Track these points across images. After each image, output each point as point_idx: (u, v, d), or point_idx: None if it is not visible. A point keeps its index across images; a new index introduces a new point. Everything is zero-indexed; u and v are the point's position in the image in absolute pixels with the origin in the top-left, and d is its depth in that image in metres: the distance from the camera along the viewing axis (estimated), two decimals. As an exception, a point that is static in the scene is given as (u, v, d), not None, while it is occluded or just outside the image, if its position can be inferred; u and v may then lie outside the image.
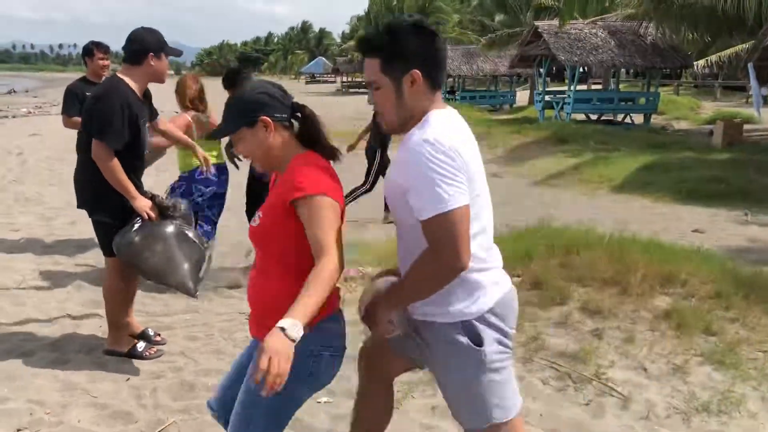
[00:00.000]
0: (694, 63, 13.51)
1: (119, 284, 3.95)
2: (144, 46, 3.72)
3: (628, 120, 20.70)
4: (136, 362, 3.93)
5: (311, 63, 78.66)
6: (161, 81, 3.89)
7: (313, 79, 74.67)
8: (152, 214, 3.70)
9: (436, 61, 2.03)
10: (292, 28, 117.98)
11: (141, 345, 4.04)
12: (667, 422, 3.24)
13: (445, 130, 1.95)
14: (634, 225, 7.72)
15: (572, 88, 20.22)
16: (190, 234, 3.84)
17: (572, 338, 3.99)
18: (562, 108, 20.36)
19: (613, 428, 3.21)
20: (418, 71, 1.98)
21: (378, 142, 7.98)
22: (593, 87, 28.69)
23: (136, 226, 3.70)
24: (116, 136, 3.62)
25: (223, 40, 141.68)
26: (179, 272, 3.70)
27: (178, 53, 4.00)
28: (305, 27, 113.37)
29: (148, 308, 4.84)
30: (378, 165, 7.99)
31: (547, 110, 21.40)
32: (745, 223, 8.21)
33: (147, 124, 3.97)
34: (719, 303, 4.36)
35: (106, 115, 3.60)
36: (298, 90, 55.87)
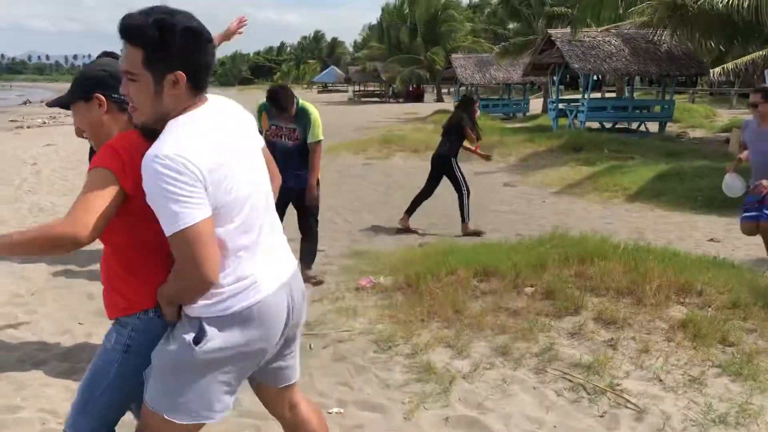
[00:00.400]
0: (710, 71, 13.39)
1: None
2: None
3: (642, 128, 20.57)
4: (148, 372, 3.92)
5: (323, 72, 78.91)
6: None
7: (325, 88, 74.95)
8: None
9: (205, 66, 1.93)
10: (304, 38, 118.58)
11: None
12: (684, 435, 3.17)
13: (181, 142, 1.83)
14: (649, 234, 7.66)
15: (586, 96, 20.13)
16: None
17: (586, 349, 3.94)
18: (575, 116, 20.28)
19: (629, 441, 3.15)
20: (183, 73, 1.88)
21: (452, 150, 7.84)
22: (607, 95, 28.56)
23: None
24: None
25: (236, 50, 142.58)
26: None
27: None
28: (317, 36, 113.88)
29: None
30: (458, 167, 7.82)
31: (560, 118, 21.33)
32: (762, 232, 8.11)
33: None
34: (736, 313, 4.29)
35: None
36: (311, 99, 56.15)
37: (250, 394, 2.53)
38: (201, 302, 1.96)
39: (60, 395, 3.62)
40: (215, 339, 1.97)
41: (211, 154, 1.86)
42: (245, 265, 2.01)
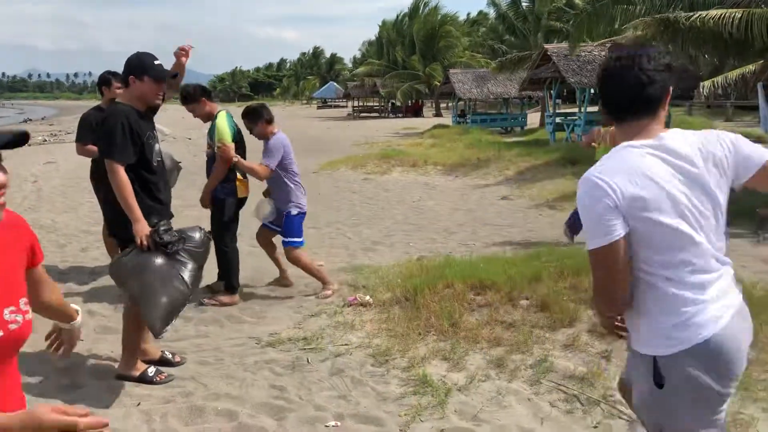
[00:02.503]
0: (701, 84, 13.48)
1: (138, 308, 4.02)
2: (127, 69, 3.92)
3: (639, 141, 20.68)
4: (147, 388, 3.96)
5: (323, 88, 79.30)
6: (148, 103, 3.98)
7: (324, 104, 75.27)
8: (145, 242, 3.76)
9: None
10: (303, 54, 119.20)
11: (152, 370, 4.07)
12: (676, 445, 3.21)
13: None
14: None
15: (583, 110, 20.26)
16: (183, 273, 3.83)
17: (581, 360, 3.99)
18: (572, 130, 20.40)
19: (622, 451, 3.20)
20: None
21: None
22: (604, 109, 28.68)
23: (129, 251, 3.79)
24: (120, 150, 3.79)
25: (236, 67, 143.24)
26: (152, 310, 3.70)
27: (166, 74, 3.99)
28: (317, 52, 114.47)
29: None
30: None
31: (558, 132, 21.44)
32: (758, 244, 8.16)
33: (158, 145, 4.09)
34: (729, 324, 4.34)
35: (108, 134, 3.82)
36: (310, 115, 56.36)
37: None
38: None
39: (60, 410, 3.66)
40: None
41: None
42: None
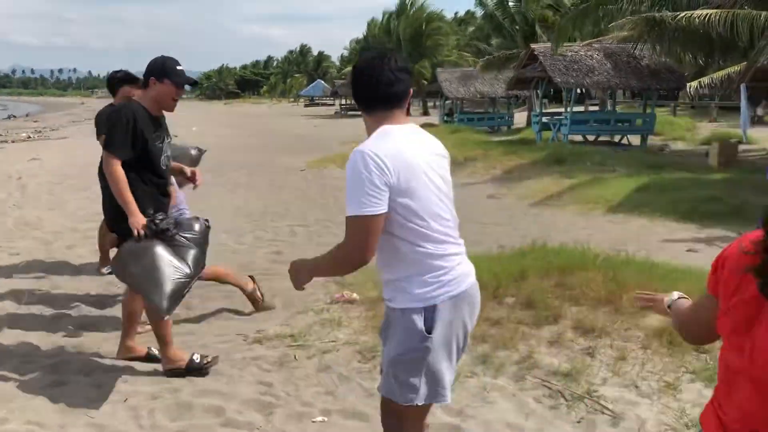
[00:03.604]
0: (687, 85, 13.65)
1: (136, 303, 4.13)
2: (149, 70, 3.93)
3: (625, 141, 20.84)
4: (134, 384, 3.96)
5: (310, 86, 79.08)
6: (163, 106, 4.00)
7: (312, 101, 75.10)
8: (142, 233, 3.76)
9: None
10: (291, 52, 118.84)
11: (197, 356, 4.08)
12: (658, 439, 3.27)
13: None
14: (629, 245, 7.77)
15: (569, 109, 20.38)
16: (185, 256, 3.86)
17: (565, 357, 4.04)
18: (559, 129, 20.51)
19: (605, 445, 3.25)
20: None
21: None
22: (591, 108, 28.89)
23: (129, 241, 3.80)
24: (119, 146, 3.81)
25: (222, 64, 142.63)
26: (157, 290, 3.72)
27: (187, 81, 4.04)
28: (304, 50, 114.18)
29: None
30: None
31: (544, 132, 21.55)
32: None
33: (166, 144, 4.11)
34: (711, 321, 4.40)
35: (111, 128, 3.88)
36: (298, 113, 56.24)
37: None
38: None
39: (47, 407, 3.67)
40: None
41: None
42: None
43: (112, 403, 3.72)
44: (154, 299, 3.74)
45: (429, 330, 2.24)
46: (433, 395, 2.32)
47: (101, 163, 5.02)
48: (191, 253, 3.92)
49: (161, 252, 3.78)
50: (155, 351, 4.28)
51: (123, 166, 3.81)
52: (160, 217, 3.89)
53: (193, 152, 5.38)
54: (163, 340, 4.06)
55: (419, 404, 2.31)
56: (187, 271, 3.85)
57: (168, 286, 3.72)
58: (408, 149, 2.25)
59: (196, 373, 4.01)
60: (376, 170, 2.14)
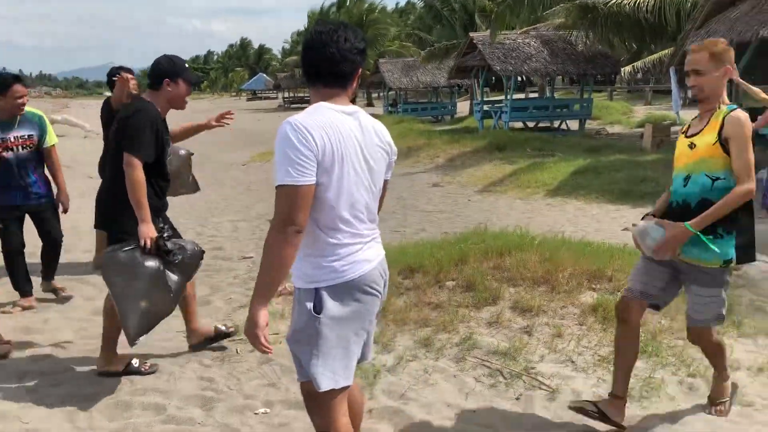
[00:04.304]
0: (622, 69, 14.03)
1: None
2: (160, 71, 3.81)
3: (564, 126, 21.28)
4: (71, 386, 3.87)
5: (252, 80, 78.06)
6: (179, 106, 3.94)
7: (254, 95, 74.19)
8: (149, 245, 3.64)
9: None
10: (231, 46, 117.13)
11: (136, 361, 4.00)
12: (593, 411, 3.37)
13: None
14: (567, 226, 7.98)
15: (509, 97, 20.67)
16: (170, 283, 3.72)
17: (504, 336, 4.13)
18: (500, 117, 20.79)
19: (542, 420, 3.33)
20: None
21: None
22: (531, 95, 29.37)
23: (127, 247, 3.64)
24: (145, 148, 3.70)
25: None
26: (131, 315, 3.63)
27: (195, 80, 4.00)
28: (244, 44, 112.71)
29: (89, 331, 4.77)
30: None
31: (486, 120, 21.81)
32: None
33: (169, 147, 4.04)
34: (643, 296, 4.56)
35: (136, 129, 3.69)
36: (240, 107, 55.46)
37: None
38: None
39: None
40: None
41: None
42: None
43: (47, 407, 3.62)
44: (124, 322, 3.65)
45: (318, 311, 2.25)
46: (329, 378, 2.30)
47: (103, 158, 4.86)
48: (177, 281, 3.78)
49: (151, 275, 3.64)
50: (222, 327, 4.35)
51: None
52: (167, 234, 3.80)
53: (182, 152, 5.25)
54: (109, 342, 3.99)
55: (322, 386, 2.29)
56: (168, 301, 3.75)
57: (143, 316, 3.64)
58: (338, 129, 2.21)
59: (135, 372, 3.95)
60: (304, 140, 2.12)
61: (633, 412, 3.35)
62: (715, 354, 3.29)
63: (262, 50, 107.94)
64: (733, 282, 5.18)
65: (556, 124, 21.76)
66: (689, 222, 3.00)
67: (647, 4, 12.66)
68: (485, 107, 22.12)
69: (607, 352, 3.88)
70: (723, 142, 3.03)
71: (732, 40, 10.23)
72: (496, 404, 3.48)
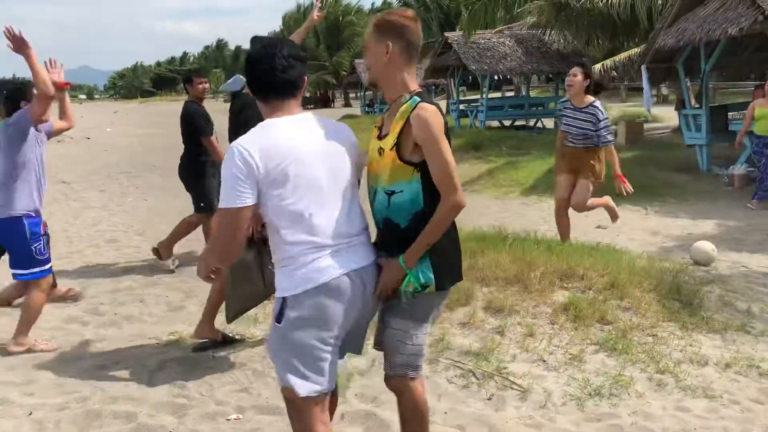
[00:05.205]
0: (593, 67, 14.15)
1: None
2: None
3: (539, 125, 21.43)
4: (40, 396, 3.81)
5: (229, 81, 77.31)
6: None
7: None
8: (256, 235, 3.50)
9: None
10: (207, 47, 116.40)
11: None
12: (563, 409, 3.41)
13: None
14: (542, 225, 8.03)
15: (485, 96, 20.77)
16: (265, 271, 3.61)
17: (476, 337, 4.14)
18: (476, 116, 20.89)
19: (513, 419, 3.35)
20: None
21: None
22: (507, 94, 29.52)
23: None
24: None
25: (137, 62, 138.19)
26: (232, 297, 3.68)
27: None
28: (220, 45, 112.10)
29: (59, 339, 4.70)
30: None
31: (463, 119, 21.90)
32: (645, 217, 8.66)
33: None
34: (614, 293, 4.61)
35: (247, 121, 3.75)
36: (218, 109, 55.05)
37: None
38: None
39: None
40: None
41: None
42: None
43: (15, 418, 3.57)
44: (228, 302, 3.73)
45: (278, 320, 2.32)
46: (301, 383, 2.33)
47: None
48: (271, 270, 3.67)
49: (254, 262, 3.58)
50: (230, 335, 4.44)
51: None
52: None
53: None
54: (212, 315, 4.32)
55: (298, 392, 2.32)
56: (264, 292, 3.68)
57: (243, 302, 3.70)
58: (289, 141, 2.27)
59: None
60: (242, 164, 2.20)
61: (602, 410, 3.38)
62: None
63: (239, 51, 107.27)
64: (702, 277, 5.28)
65: (531, 122, 21.90)
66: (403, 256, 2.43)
67: (620, 2, 12.81)
68: (461, 106, 22.21)
69: (578, 350, 3.92)
70: (400, 146, 2.40)
71: (701, 38, 10.38)
72: (469, 405, 3.48)
